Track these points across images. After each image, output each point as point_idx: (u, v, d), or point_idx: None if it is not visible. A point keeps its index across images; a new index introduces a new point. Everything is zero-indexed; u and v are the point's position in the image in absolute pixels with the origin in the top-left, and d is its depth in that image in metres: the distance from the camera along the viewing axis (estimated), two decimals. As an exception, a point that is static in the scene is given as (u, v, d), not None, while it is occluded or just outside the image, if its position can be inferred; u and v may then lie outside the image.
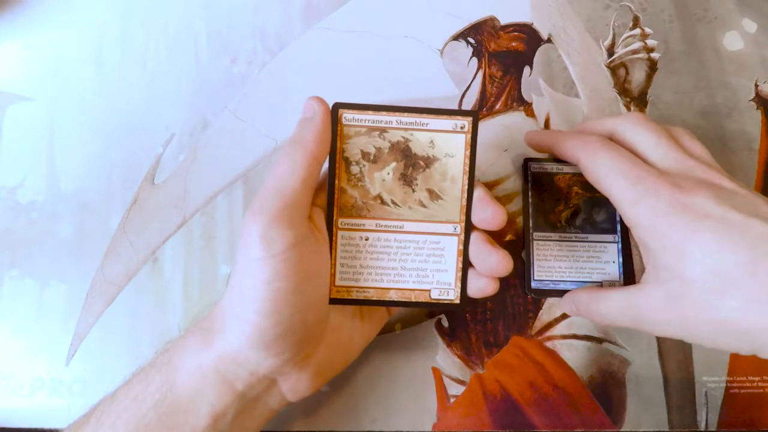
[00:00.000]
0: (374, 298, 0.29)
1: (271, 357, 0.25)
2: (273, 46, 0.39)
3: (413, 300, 0.29)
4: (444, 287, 0.29)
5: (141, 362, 0.34)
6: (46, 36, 0.40)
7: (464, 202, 0.28)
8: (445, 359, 0.34)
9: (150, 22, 0.40)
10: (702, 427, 0.33)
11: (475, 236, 0.28)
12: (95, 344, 0.35)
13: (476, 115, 0.27)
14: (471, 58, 0.39)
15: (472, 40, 0.39)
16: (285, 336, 0.25)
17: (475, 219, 0.28)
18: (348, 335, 0.30)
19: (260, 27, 0.40)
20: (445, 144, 0.27)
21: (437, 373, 0.34)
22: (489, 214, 0.27)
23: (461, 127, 0.27)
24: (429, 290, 0.29)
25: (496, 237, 0.29)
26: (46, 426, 0.33)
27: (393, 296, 0.29)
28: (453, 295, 0.29)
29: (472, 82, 0.38)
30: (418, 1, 0.40)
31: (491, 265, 0.28)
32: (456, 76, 0.38)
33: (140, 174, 0.37)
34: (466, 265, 0.28)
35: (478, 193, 0.28)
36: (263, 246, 0.24)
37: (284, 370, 0.26)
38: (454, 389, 0.34)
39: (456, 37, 0.39)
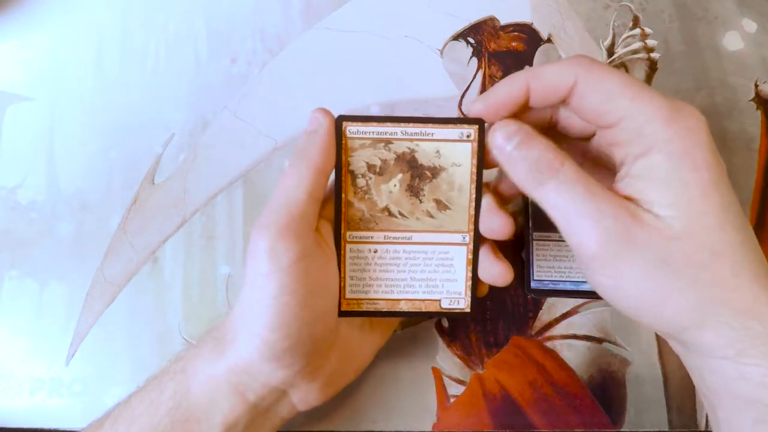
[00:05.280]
0: (384, 310, 0.29)
1: (282, 369, 0.26)
2: (273, 46, 0.39)
3: (424, 310, 0.29)
4: (454, 296, 0.29)
5: (141, 362, 0.34)
6: (46, 36, 0.40)
7: (472, 212, 0.27)
8: (445, 359, 0.34)
9: (150, 22, 0.40)
10: (702, 427, 0.33)
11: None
12: (95, 344, 0.35)
13: (482, 123, 0.26)
14: (471, 58, 0.39)
15: (472, 40, 0.39)
16: (294, 349, 0.25)
17: (483, 228, 0.27)
18: (357, 345, 0.30)
19: (260, 27, 0.40)
20: (452, 153, 0.27)
21: (437, 373, 0.34)
22: (497, 224, 0.27)
23: (467, 136, 0.27)
24: (439, 300, 0.29)
25: (496, 241, 0.28)
26: (45, 426, 0.33)
27: (403, 307, 0.29)
28: (463, 304, 0.29)
29: (472, 82, 0.38)
30: (418, 1, 0.40)
31: (492, 274, 0.28)
32: (456, 76, 0.38)
33: (140, 174, 0.37)
34: (476, 274, 0.28)
35: (486, 202, 0.27)
36: (270, 260, 0.24)
37: (295, 381, 0.26)
38: (454, 389, 0.34)
39: (456, 37, 0.39)
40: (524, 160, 0.24)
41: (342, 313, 0.28)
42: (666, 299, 0.22)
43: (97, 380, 0.34)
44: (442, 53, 0.39)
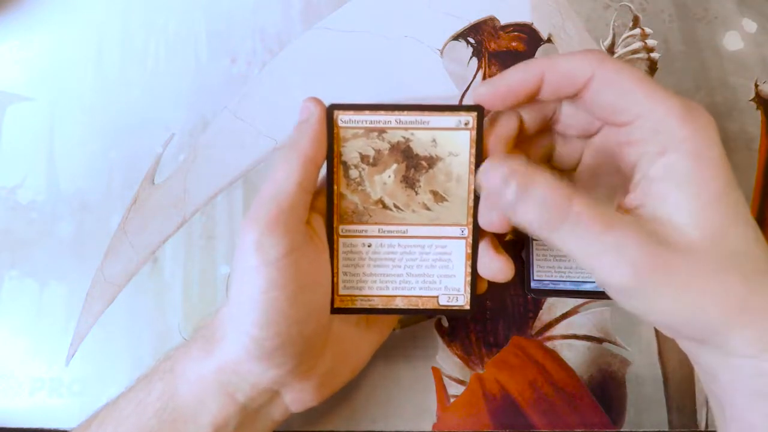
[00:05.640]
0: (380, 307, 0.28)
1: (272, 369, 0.25)
2: (273, 46, 0.39)
3: (421, 307, 0.28)
4: (452, 293, 0.28)
5: (141, 362, 0.34)
6: (46, 36, 0.40)
7: (471, 203, 0.26)
8: (445, 359, 0.34)
9: (150, 22, 0.40)
10: (702, 427, 0.33)
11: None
12: (95, 344, 0.35)
13: (481, 109, 0.25)
14: (471, 58, 0.39)
15: (472, 40, 0.39)
16: (284, 347, 0.24)
17: (482, 221, 0.26)
18: (353, 344, 0.29)
19: (260, 27, 0.40)
20: (449, 142, 0.26)
21: (437, 373, 0.34)
22: (495, 216, 0.25)
23: (465, 124, 0.26)
24: (437, 296, 0.28)
25: (496, 236, 0.28)
26: (46, 426, 0.33)
27: (399, 304, 0.28)
28: (462, 301, 0.28)
29: (472, 82, 0.38)
30: (418, 1, 0.40)
31: (492, 270, 0.27)
32: (456, 76, 0.38)
33: (140, 174, 0.37)
34: (475, 269, 0.27)
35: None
36: (258, 254, 0.24)
37: (286, 381, 0.26)
38: (454, 389, 0.34)
39: (456, 37, 0.39)
40: (530, 204, 0.22)
41: (335, 310, 0.27)
42: (699, 309, 0.21)
43: (96, 380, 0.34)
44: (442, 53, 0.39)
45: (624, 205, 0.24)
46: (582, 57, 0.23)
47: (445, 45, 0.39)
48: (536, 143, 0.28)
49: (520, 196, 0.22)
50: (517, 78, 0.24)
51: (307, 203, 0.26)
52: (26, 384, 0.34)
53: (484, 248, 0.27)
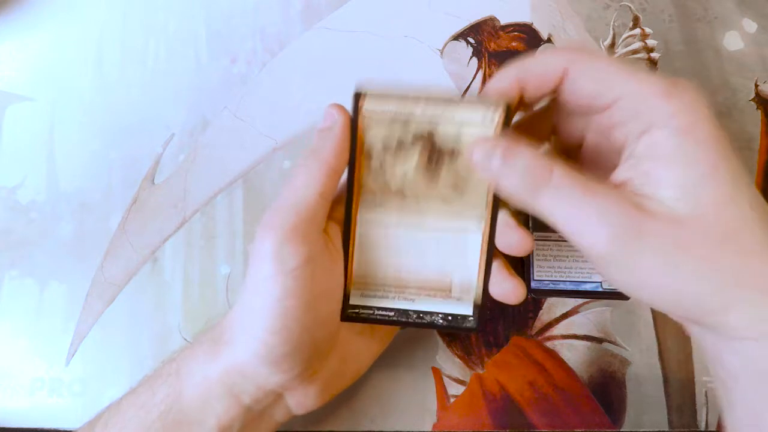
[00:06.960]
0: (388, 319, 0.28)
1: (279, 373, 0.25)
2: (273, 46, 0.39)
3: (428, 321, 0.28)
4: (462, 313, 0.28)
5: (141, 362, 0.34)
6: (46, 36, 0.40)
7: (490, 198, 0.26)
8: (445, 359, 0.34)
9: (150, 22, 0.40)
10: (702, 427, 0.33)
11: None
12: (95, 344, 0.35)
13: (508, 105, 0.24)
14: (471, 58, 0.39)
15: (472, 40, 0.39)
16: (294, 353, 0.25)
17: (500, 244, 0.26)
18: (356, 350, 0.29)
19: (260, 27, 0.40)
20: (473, 137, 0.25)
21: (437, 373, 0.34)
22: (514, 239, 0.25)
23: (491, 120, 0.25)
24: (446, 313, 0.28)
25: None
26: (46, 426, 0.33)
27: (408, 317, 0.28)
28: (472, 323, 0.28)
29: (472, 82, 0.38)
30: (418, 1, 0.40)
31: (505, 290, 0.26)
32: (456, 76, 0.38)
33: (140, 174, 0.37)
34: (488, 283, 0.27)
35: (503, 217, 0.26)
36: (275, 263, 0.24)
37: (292, 385, 0.26)
38: (454, 389, 0.34)
39: (456, 37, 0.39)
40: (513, 172, 0.23)
41: (345, 318, 0.28)
42: (684, 287, 0.21)
43: (97, 380, 0.34)
44: (442, 53, 0.39)
45: (611, 181, 0.23)
46: (553, 53, 0.24)
47: (445, 45, 0.39)
48: (537, 123, 0.28)
49: (504, 164, 0.23)
50: (496, 88, 0.24)
51: (326, 212, 0.26)
52: (26, 384, 0.34)
53: (497, 269, 0.27)
